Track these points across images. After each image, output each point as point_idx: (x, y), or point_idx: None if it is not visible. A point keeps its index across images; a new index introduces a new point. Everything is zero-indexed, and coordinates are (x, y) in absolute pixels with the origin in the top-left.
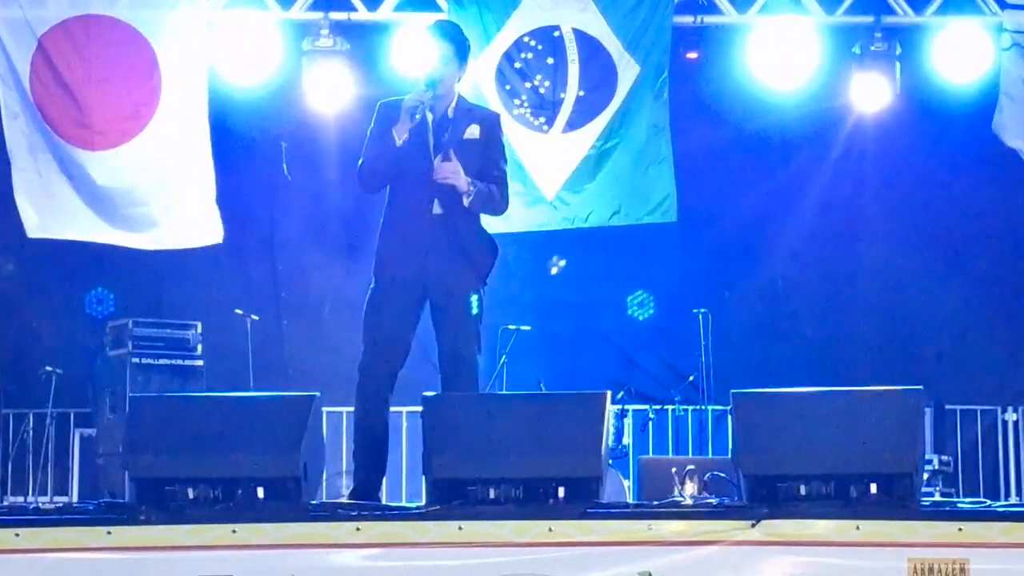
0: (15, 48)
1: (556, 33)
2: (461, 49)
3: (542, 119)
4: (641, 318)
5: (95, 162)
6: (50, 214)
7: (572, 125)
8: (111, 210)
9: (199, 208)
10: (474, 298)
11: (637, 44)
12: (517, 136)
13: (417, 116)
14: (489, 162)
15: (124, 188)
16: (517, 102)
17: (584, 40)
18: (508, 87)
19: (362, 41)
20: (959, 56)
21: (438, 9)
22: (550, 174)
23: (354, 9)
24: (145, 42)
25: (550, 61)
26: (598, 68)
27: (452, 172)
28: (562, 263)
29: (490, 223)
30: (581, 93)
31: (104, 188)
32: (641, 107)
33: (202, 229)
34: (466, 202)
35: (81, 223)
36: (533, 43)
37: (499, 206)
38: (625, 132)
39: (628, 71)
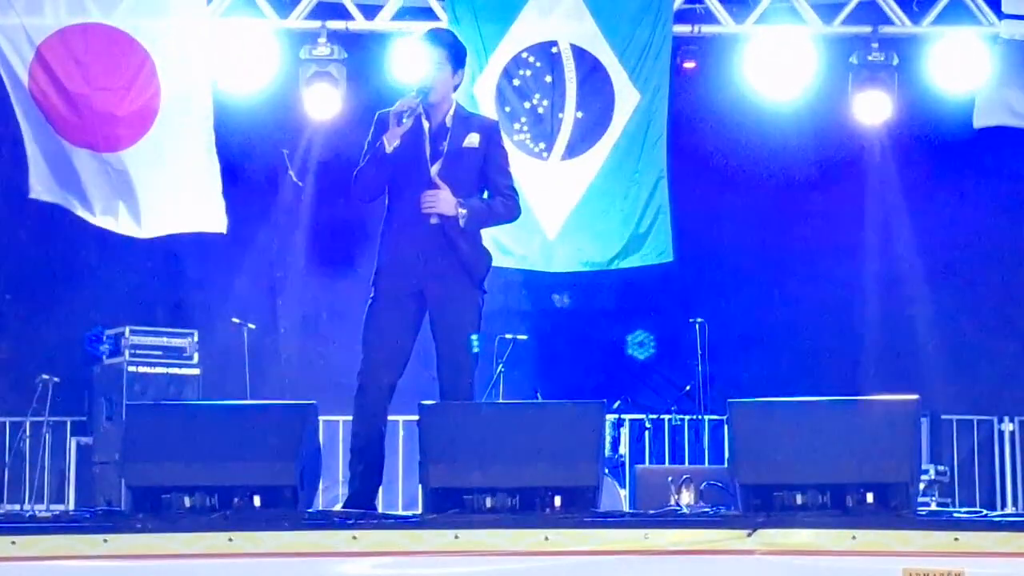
0: (14, 55)
1: (554, 49)
2: (454, 55)
3: (541, 144)
4: (641, 357)
5: (100, 162)
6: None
7: (571, 152)
8: (110, 201)
9: (204, 204)
10: (475, 338)
11: (634, 64)
12: (518, 164)
13: (405, 120)
14: (492, 169)
15: (127, 189)
16: (517, 126)
17: (582, 57)
18: (508, 108)
19: (359, 50)
20: (956, 66)
21: (436, 19)
22: (551, 210)
23: (352, 18)
24: (143, 51)
25: (548, 79)
26: (596, 88)
27: (435, 201)
28: (567, 300)
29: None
30: (579, 115)
31: (108, 185)
32: (641, 144)
33: (206, 217)
34: (461, 223)
35: (80, 200)
36: (531, 59)
37: (504, 217)
38: (624, 172)
39: (626, 93)
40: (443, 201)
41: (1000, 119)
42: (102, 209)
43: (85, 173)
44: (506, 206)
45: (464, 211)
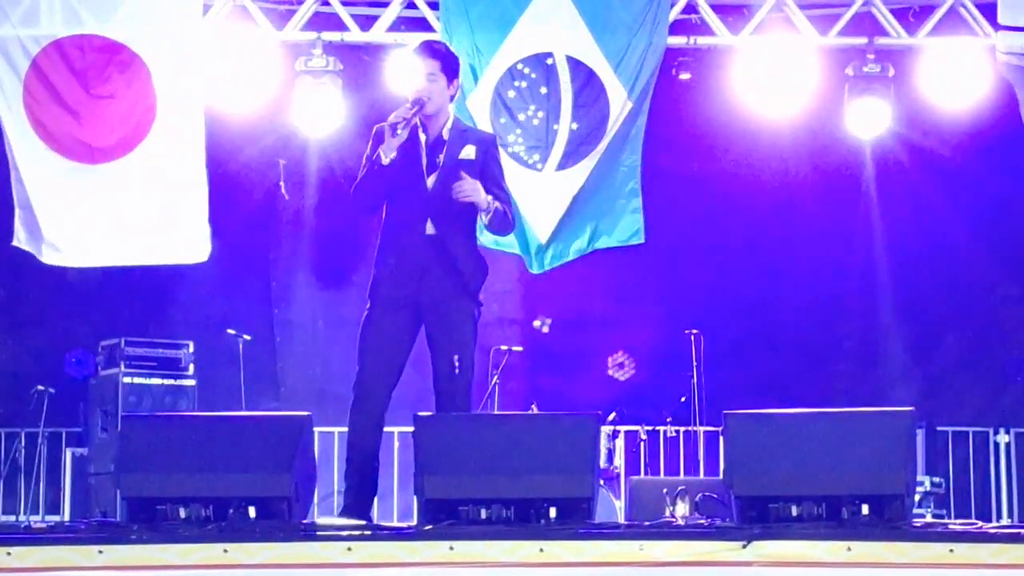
0: (8, 66)
1: (549, 61)
2: (447, 65)
3: (536, 156)
4: (622, 379)
5: (93, 175)
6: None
7: (565, 163)
8: (104, 223)
9: (189, 224)
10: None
11: (630, 75)
12: (513, 175)
13: (400, 131)
14: (489, 182)
15: (119, 201)
16: (512, 137)
17: (577, 68)
18: (503, 120)
19: (355, 62)
20: (952, 78)
21: (431, 30)
22: (545, 217)
23: (347, 30)
24: (139, 60)
25: (543, 91)
26: (591, 99)
27: (472, 190)
28: (548, 322)
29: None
30: (574, 126)
31: (100, 201)
32: (624, 140)
33: (189, 245)
34: (485, 219)
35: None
36: (527, 71)
37: (510, 225)
38: (608, 169)
39: (621, 104)
40: (477, 190)
41: None
42: (88, 232)
43: (73, 189)
44: (511, 215)
45: (497, 205)
